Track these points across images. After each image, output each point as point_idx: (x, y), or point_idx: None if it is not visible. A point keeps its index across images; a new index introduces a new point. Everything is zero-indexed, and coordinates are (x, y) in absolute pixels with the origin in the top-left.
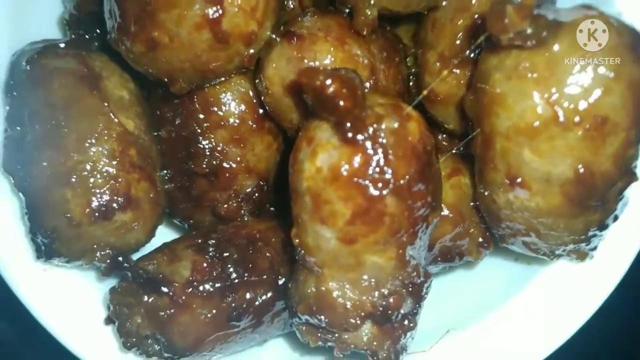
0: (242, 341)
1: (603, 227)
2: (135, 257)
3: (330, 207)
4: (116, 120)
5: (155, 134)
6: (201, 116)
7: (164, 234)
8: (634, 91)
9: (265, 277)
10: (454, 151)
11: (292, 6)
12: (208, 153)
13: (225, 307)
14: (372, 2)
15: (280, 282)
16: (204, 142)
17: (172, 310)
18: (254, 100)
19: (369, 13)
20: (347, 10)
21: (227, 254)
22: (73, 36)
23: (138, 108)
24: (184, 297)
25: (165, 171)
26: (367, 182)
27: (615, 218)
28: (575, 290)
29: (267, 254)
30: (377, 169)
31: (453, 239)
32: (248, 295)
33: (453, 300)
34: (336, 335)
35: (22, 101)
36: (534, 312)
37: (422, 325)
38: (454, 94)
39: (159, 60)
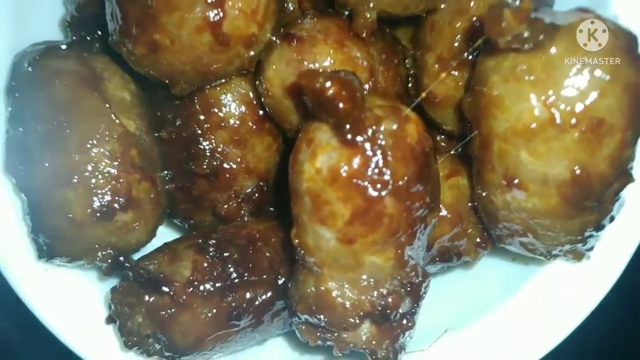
0: (242, 340)
1: (599, 227)
2: (136, 257)
3: (330, 207)
4: (117, 121)
5: (156, 134)
6: (202, 117)
7: (165, 234)
8: (630, 93)
9: (265, 276)
10: (452, 152)
11: (291, 8)
12: (208, 154)
13: (226, 306)
14: (371, 5)
15: (280, 282)
16: (204, 143)
17: (173, 310)
18: (254, 102)
19: (368, 16)
20: (346, 13)
21: (228, 253)
22: (74, 38)
23: (139, 109)
24: (184, 297)
25: (165, 172)
26: (366, 183)
27: (612, 219)
28: (572, 290)
29: (267, 254)
30: (376, 170)
31: (451, 239)
32: (248, 295)
33: (451, 300)
34: (335, 334)
35: (24, 102)
36: (531, 311)
37: (421, 324)
38: (452, 95)
39: (160, 62)
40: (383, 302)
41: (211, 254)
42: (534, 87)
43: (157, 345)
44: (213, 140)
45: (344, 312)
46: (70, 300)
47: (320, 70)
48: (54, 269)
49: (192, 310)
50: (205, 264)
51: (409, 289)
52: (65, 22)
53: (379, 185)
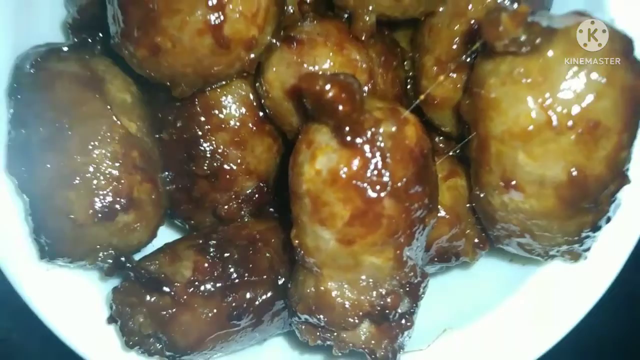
0: (243, 340)
1: (596, 228)
2: (137, 257)
3: (329, 209)
4: (119, 122)
5: (157, 136)
6: (202, 119)
7: (166, 235)
8: (626, 96)
9: (265, 277)
10: (450, 154)
11: (291, 11)
12: (209, 155)
13: (226, 306)
14: (370, 8)
15: (280, 282)
16: (205, 145)
17: (174, 310)
18: (254, 103)
19: (368, 19)
20: (345, 16)
21: (228, 254)
22: (76, 40)
23: (140, 110)
24: (185, 297)
25: (166, 173)
26: (365, 184)
27: (608, 220)
28: (569, 290)
29: (267, 255)
30: (375, 172)
31: (449, 239)
32: (248, 295)
33: (450, 299)
34: (335, 334)
35: (26, 104)
36: (528, 311)
37: (419, 324)
38: (451, 97)
39: (161, 64)
40: (382, 302)
41: (212, 254)
42: (531, 90)
43: (158, 344)
44: (213, 142)
45: (344, 312)
46: (72, 300)
47: (320, 73)
48: (56, 269)
49: (192, 310)
50: (206, 265)
51: (407, 289)
52: (67, 25)
53: (378, 187)
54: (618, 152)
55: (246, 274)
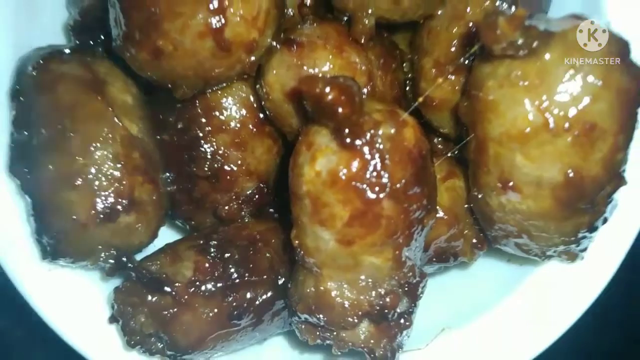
0: (243, 339)
1: (592, 229)
2: (138, 257)
3: (329, 209)
4: (120, 124)
5: (158, 137)
6: (203, 120)
7: (167, 235)
8: (622, 98)
9: (265, 277)
10: (449, 155)
11: (291, 13)
12: (210, 156)
13: (227, 306)
14: (369, 12)
15: (280, 282)
16: (205, 146)
17: (175, 310)
18: (255, 105)
19: (367, 22)
20: (345, 18)
21: (228, 254)
22: (77, 42)
23: (141, 112)
24: (186, 297)
25: (167, 174)
26: (364, 185)
27: (605, 220)
28: (566, 290)
29: (267, 255)
30: (375, 173)
31: (448, 240)
32: (249, 295)
33: (448, 299)
34: (334, 333)
35: (28, 106)
36: (526, 311)
37: (418, 323)
38: (449, 99)
39: (163, 67)
40: (381, 302)
41: (212, 254)
42: (528, 93)
43: (159, 344)
44: (214, 143)
45: (343, 311)
46: (74, 300)
47: (320, 76)
48: (58, 269)
49: (193, 310)
50: (207, 265)
51: (406, 289)
52: (68, 27)
53: (377, 188)
54: (614, 154)
55: (246, 274)
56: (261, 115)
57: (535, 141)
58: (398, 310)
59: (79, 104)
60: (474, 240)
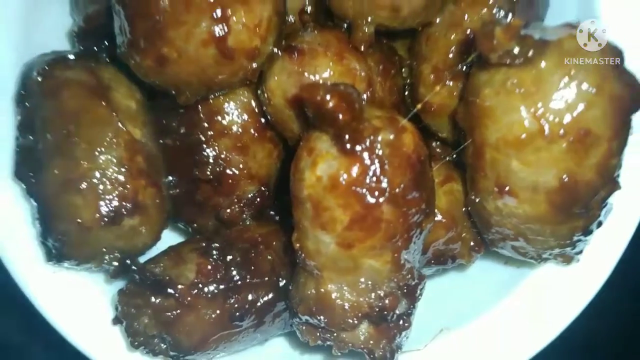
0: (245, 340)
1: (587, 232)
2: (141, 260)
3: (330, 213)
4: (124, 129)
5: (161, 141)
6: (205, 125)
7: (170, 238)
8: (615, 105)
9: (266, 279)
10: (447, 159)
11: (292, 20)
12: (212, 160)
13: (229, 307)
14: (369, 20)
15: (281, 284)
16: (208, 150)
17: (178, 311)
18: (256, 110)
19: (367, 29)
20: (345, 25)
21: (230, 257)
22: (82, 48)
23: (145, 117)
24: (189, 299)
25: (170, 177)
26: (364, 190)
27: (600, 224)
28: (562, 291)
29: (269, 257)
30: (374, 178)
31: (446, 242)
32: (250, 297)
33: (446, 301)
34: (335, 334)
35: (33, 111)
36: (522, 312)
37: (417, 325)
38: (447, 104)
39: (167, 74)
40: (380, 304)
41: (215, 257)
42: (524, 100)
43: (162, 345)
44: (216, 147)
45: (343, 313)
46: (78, 302)
47: (321, 83)
48: (62, 271)
49: (196, 312)
50: (209, 267)
51: (405, 290)
52: (73, 33)
53: (376, 193)
54: (608, 159)
55: (248, 276)
56: (262, 120)
57: (530, 147)
58: (397, 311)
59: (83, 109)
60: (472, 243)
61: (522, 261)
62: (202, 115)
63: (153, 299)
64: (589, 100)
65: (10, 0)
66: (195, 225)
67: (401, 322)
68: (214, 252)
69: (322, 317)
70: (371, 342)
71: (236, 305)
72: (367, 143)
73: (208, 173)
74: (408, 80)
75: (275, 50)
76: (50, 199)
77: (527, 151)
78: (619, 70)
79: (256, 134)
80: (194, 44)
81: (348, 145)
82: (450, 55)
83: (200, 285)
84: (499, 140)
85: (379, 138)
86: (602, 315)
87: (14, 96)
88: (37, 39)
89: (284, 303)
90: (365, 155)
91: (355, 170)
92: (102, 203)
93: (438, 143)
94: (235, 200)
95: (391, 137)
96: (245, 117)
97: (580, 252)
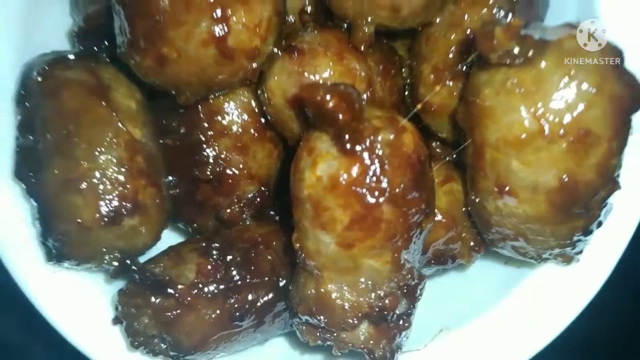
0: (245, 340)
1: (587, 232)
2: (141, 260)
3: (330, 213)
4: (124, 129)
5: (161, 141)
6: (205, 125)
7: (170, 238)
8: (615, 105)
9: (266, 279)
10: (447, 159)
11: (292, 20)
12: (212, 160)
13: (229, 307)
14: (369, 20)
15: (281, 284)
16: (208, 150)
17: (178, 311)
18: (256, 110)
19: (367, 29)
20: (345, 25)
21: (230, 257)
22: (82, 48)
23: (145, 117)
24: (189, 299)
25: (170, 177)
26: (364, 190)
27: (599, 224)
28: (562, 291)
29: (269, 257)
30: (374, 178)
31: (446, 242)
32: (250, 297)
33: (446, 301)
34: (335, 334)
35: (33, 111)
36: (522, 312)
37: (417, 325)
38: (447, 104)
39: (167, 74)
40: (380, 304)
41: (214, 257)
42: (524, 100)
43: (162, 345)
44: (216, 147)
45: (343, 313)
46: (78, 302)
47: (321, 83)
48: (62, 271)
49: (196, 312)
50: (209, 267)
51: (405, 290)
52: (73, 33)
53: (376, 193)
54: (608, 159)
55: (248, 276)
56: (262, 120)
57: (530, 147)
58: (397, 311)
59: (83, 109)
60: (472, 243)
61: (522, 261)
62: (202, 115)
63: (153, 299)
64: (589, 100)
65: (10, 0)
66: (195, 225)
67: (401, 322)
68: (214, 252)
69: (322, 317)
70: (371, 342)
71: (236, 305)
72: (367, 143)
73: (208, 173)
74: (408, 80)
75: (275, 50)
76: (50, 199)
77: (527, 151)
78: (619, 70)
79: (256, 134)
80: (194, 44)
81: (348, 145)
82: (450, 55)
83: (200, 285)
84: (499, 140)
85: (379, 138)
86: (602, 315)
87: (14, 96)
88: (37, 39)
89: (284, 303)
90: (365, 155)
91: (355, 170)
92: (102, 203)
93: (438, 143)
94: (235, 200)
95: (391, 137)
96: (245, 117)
97: (580, 252)
